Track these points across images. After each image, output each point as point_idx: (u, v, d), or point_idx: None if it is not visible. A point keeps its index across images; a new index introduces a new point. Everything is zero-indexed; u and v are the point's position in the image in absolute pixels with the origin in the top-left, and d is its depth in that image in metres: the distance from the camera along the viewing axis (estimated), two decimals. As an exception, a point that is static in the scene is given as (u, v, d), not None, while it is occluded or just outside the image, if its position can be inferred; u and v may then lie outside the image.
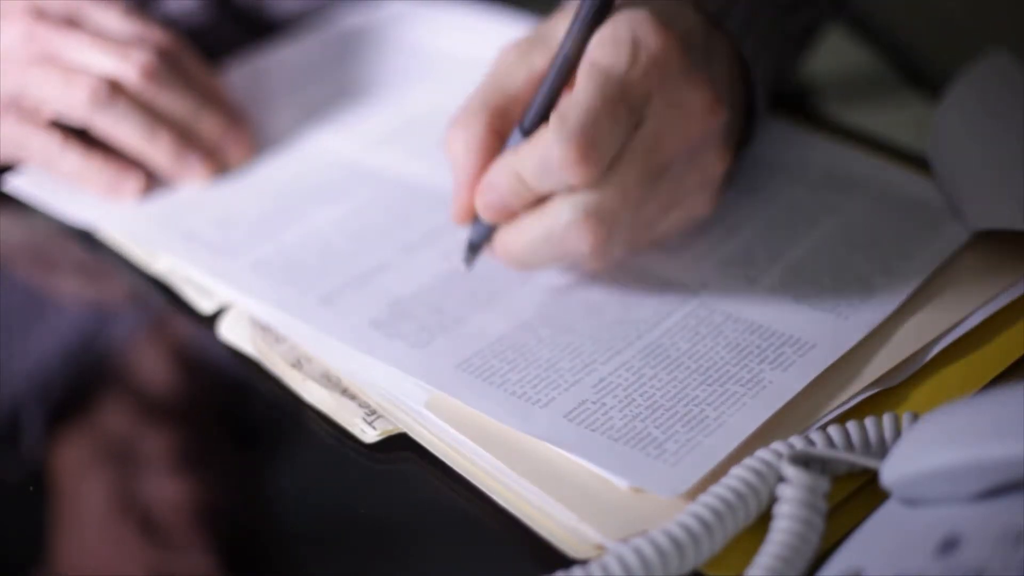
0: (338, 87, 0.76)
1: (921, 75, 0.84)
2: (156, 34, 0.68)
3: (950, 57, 0.82)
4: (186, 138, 0.67)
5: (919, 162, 0.65)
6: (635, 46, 0.52)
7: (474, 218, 0.56)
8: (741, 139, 0.59)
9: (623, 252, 0.56)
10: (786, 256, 0.59)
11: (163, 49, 0.68)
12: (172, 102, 0.67)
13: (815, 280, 0.57)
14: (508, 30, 0.77)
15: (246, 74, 0.76)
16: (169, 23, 0.77)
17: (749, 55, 0.58)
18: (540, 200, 0.54)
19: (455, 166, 0.56)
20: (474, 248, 0.57)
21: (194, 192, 0.67)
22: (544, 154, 0.51)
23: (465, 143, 0.55)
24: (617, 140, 0.52)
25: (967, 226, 0.58)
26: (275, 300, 0.58)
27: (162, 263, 0.63)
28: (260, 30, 0.82)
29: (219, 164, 0.68)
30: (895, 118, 0.85)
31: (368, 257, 0.61)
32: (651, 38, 0.53)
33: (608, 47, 0.53)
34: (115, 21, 0.68)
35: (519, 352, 0.54)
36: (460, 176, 0.55)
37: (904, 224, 0.60)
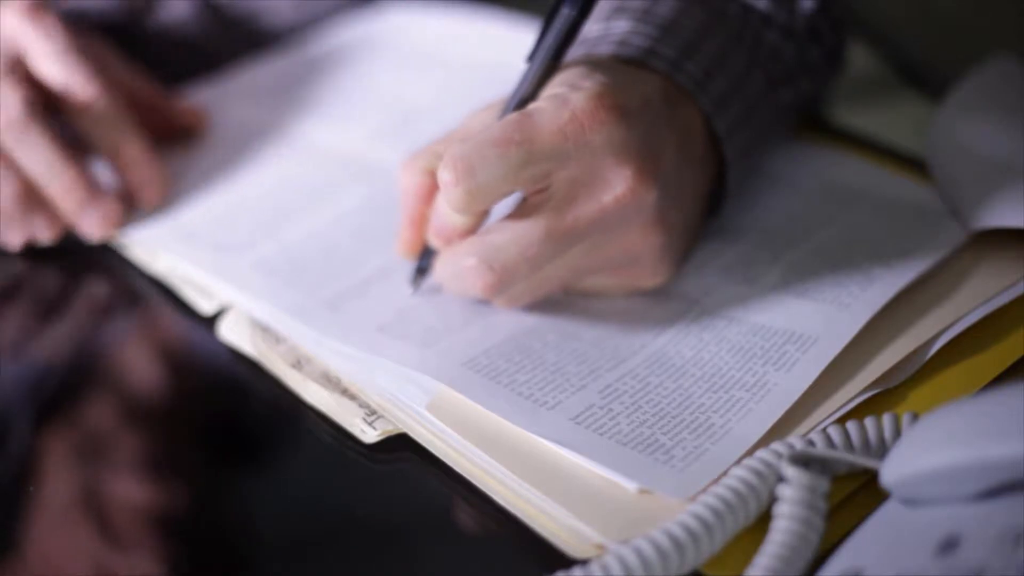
0: (337, 90, 0.76)
1: (921, 76, 0.84)
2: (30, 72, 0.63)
3: (950, 58, 0.82)
4: (31, 199, 0.63)
5: (918, 164, 0.65)
6: (562, 101, 0.51)
7: (422, 250, 0.58)
8: (710, 208, 0.59)
9: (531, 299, 0.55)
10: (786, 257, 0.59)
11: (28, 99, 0.62)
12: (28, 157, 0.62)
13: (815, 275, 0.57)
14: (508, 33, 0.77)
15: (243, 80, 0.76)
16: (163, 33, 0.77)
17: (723, 130, 0.57)
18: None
19: (401, 205, 0.57)
20: (421, 271, 0.58)
21: (194, 193, 0.67)
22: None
23: (407, 185, 0.56)
24: (499, 176, 0.51)
25: (966, 226, 0.58)
26: (280, 304, 0.58)
27: (162, 263, 0.63)
28: (255, 41, 0.82)
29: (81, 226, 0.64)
30: (895, 119, 0.85)
31: (371, 259, 0.61)
32: (583, 101, 0.51)
33: (542, 96, 0.53)
34: None
35: (525, 354, 0.54)
36: (404, 214, 0.57)
37: (903, 226, 0.60)
